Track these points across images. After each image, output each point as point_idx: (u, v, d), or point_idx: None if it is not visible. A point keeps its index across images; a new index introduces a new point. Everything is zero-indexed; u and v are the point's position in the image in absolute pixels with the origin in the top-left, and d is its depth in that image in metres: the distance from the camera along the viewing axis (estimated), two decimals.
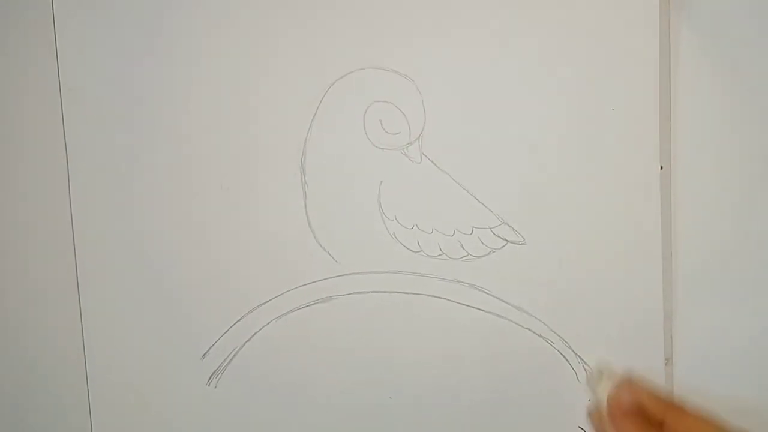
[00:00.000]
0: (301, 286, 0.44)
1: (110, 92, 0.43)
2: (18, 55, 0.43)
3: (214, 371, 0.44)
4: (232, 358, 0.44)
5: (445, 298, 0.44)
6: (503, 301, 0.43)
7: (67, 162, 0.43)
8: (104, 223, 0.44)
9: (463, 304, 0.44)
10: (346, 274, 0.44)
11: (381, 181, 0.43)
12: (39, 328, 0.45)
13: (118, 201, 0.44)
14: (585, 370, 0.43)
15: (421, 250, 0.43)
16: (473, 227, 0.43)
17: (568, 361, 0.43)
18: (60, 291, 0.44)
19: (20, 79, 0.44)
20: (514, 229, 0.43)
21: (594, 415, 0.40)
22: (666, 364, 0.43)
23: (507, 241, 0.43)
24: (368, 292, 0.44)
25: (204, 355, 0.44)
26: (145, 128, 0.43)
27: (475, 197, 0.43)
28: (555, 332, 0.43)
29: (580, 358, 0.43)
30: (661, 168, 0.42)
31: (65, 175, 0.43)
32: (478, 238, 0.43)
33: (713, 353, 0.43)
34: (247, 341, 0.44)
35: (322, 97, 0.43)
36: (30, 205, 0.44)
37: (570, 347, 0.43)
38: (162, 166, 0.43)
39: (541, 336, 0.43)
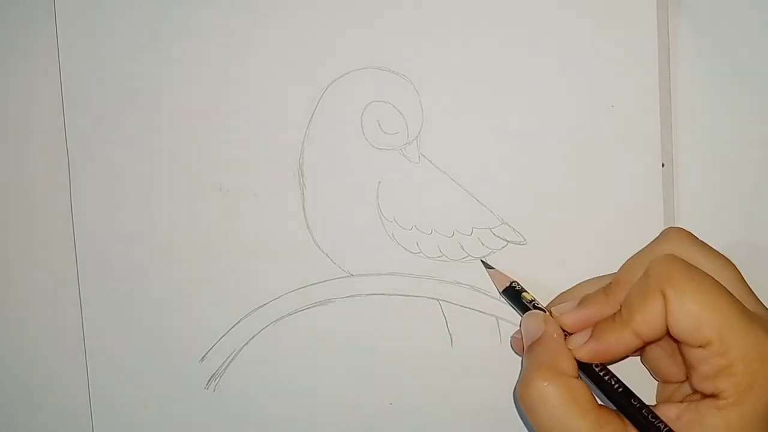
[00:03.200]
0: (299, 288, 0.43)
1: (111, 95, 0.43)
2: (19, 56, 0.44)
3: (213, 374, 0.44)
4: (230, 361, 0.44)
5: (446, 301, 0.43)
6: (505, 303, 0.43)
7: (69, 164, 0.44)
8: (104, 226, 0.44)
9: (464, 307, 0.43)
10: (344, 277, 0.43)
11: (379, 182, 0.43)
12: (40, 330, 0.45)
13: (117, 203, 0.44)
14: None
15: (421, 252, 0.43)
16: (473, 228, 0.43)
17: None
18: (61, 293, 0.44)
19: (22, 81, 0.44)
20: (514, 229, 0.42)
21: None
22: None
23: (507, 241, 0.43)
24: (367, 295, 0.43)
25: (203, 358, 0.44)
26: (144, 131, 0.44)
27: (474, 197, 0.43)
28: None
29: None
30: (663, 165, 0.41)
31: (66, 177, 0.44)
32: (478, 238, 0.43)
33: None
34: (246, 344, 0.44)
35: (320, 98, 0.43)
36: (31, 207, 0.45)
37: None
38: (160, 168, 0.44)
39: None
